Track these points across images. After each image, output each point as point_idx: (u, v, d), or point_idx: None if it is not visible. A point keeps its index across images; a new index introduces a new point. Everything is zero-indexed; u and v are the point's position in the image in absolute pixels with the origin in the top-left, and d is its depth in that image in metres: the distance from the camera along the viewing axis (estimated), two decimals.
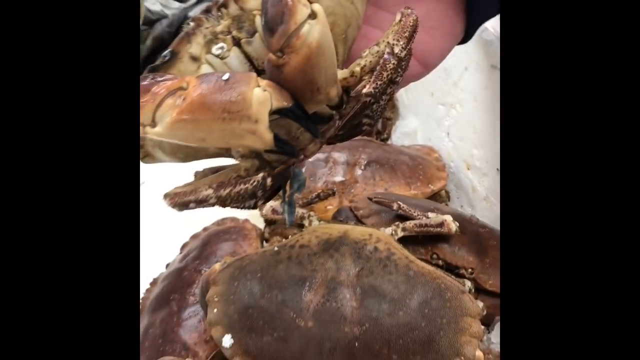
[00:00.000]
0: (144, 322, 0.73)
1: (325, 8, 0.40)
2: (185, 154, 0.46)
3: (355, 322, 0.55)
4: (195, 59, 0.44)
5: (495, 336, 0.66)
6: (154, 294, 0.75)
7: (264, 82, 0.37)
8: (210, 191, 0.41)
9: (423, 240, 0.68)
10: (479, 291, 0.68)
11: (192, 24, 0.45)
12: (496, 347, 0.64)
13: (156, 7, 1.12)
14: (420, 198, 0.81)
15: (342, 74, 0.42)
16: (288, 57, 0.36)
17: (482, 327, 0.63)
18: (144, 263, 0.84)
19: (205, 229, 0.84)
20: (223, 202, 0.42)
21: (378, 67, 0.41)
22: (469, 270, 0.67)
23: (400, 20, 0.42)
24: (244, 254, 0.72)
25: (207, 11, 0.45)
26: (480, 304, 0.64)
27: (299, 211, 0.68)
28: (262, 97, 0.36)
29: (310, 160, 0.86)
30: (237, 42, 0.43)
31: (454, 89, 0.85)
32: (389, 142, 1.04)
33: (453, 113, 0.87)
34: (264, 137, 0.37)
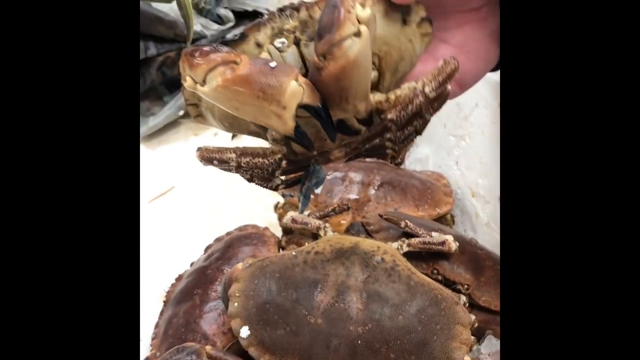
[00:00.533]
0: (168, 313, 0.79)
1: (381, 37, 0.46)
2: (230, 124, 0.51)
3: (359, 322, 0.62)
4: (259, 45, 0.48)
5: (485, 348, 0.72)
6: (179, 288, 0.82)
7: (302, 79, 0.42)
8: (233, 155, 0.48)
9: (425, 257, 0.74)
10: (473, 306, 0.74)
11: (266, 16, 0.49)
12: (485, 358, 0.70)
13: (197, 28, 1.22)
14: (426, 219, 0.88)
15: (379, 97, 0.47)
16: (327, 63, 0.41)
17: (473, 337, 0.70)
18: (172, 260, 0.92)
19: (228, 233, 0.91)
20: (242, 169, 0.48)
21: (407, 100, 0.47)
22: (465, 286, 0.74)
23: (442, 65, 0.46)
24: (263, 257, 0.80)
25: (281, 10, 0.49)
26: (473, 317, 0.71)
27: (316, 222, 0.76)
28: (296, 90, 0.41)
29: (329, 178, 0.94)
30: (297, 42, 0.48)
31: (465, 123, 0.92)
32: (402, 166, 1.11)
33: (462, 144, 0.95)
34: (287, 123, 0.42)
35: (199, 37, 1.20)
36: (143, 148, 1.20)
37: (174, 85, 1.25)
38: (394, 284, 0.64)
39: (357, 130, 0.49)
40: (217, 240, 0.90)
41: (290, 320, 0.63)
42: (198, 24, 1.21)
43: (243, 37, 0.48)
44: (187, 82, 0.43)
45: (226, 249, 0.84)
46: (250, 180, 0.50)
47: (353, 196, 0.91)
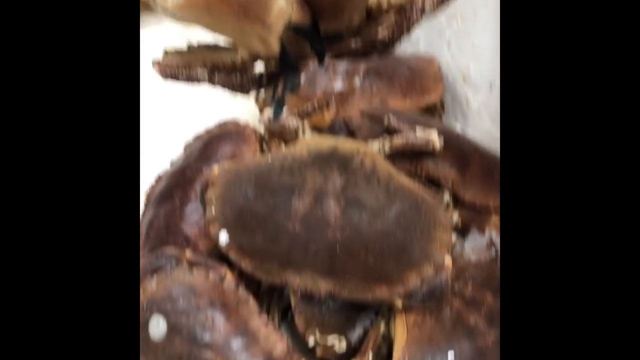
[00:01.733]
0: (149, 214, 0.78)
1: None
2: (183, 18, 0.44)
3: (338, 228, 0.61)
4: None
5: (469, 244, 0.72)
6: (159, 189, 0.80)
7: None
8: (204, 72, 0.42)
9: (409, 154, 0.72)
10: (458, 202, 0.73)
11: None
12: (469, 254, 0.70)
13: None
14: (413, 110, 0.84)
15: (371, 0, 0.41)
16: None
17: (455, 236, 0.69)
18: (150, 160, 0.89)
19: (207, 131, 0.87)
20: (213, 84, 0.42)
21: (402, 17, 0.40)
22: (450, 182, 0.72)
23: None
24: (243, 156, 0.77)
25: None
26: (456, 216, 0.69)
27: (294, 122, 0.72)
28: (284, 8, 0.36)
29: (310, 67, 0.88)
30: None
31: (456, 1, 0.85)
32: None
33: (454, 26, 0.88)
34: (271, 46, 0.37)
35: None
36: None
37: None
38: (373, 188, 0.62)
39: (340, 37, 0.43)
40: (196, 138, 0.87)
41: (268, 226, 0.62)
42: None
43: None
44: None
45: (205, 148, 0.81)
46: (213, 86, 0.44)
47: (337, 86, 0.86)
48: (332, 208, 0.61)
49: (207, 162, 0.79)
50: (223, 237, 0.64)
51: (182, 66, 0.41)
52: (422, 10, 0.40)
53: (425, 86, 0.88)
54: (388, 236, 0.60)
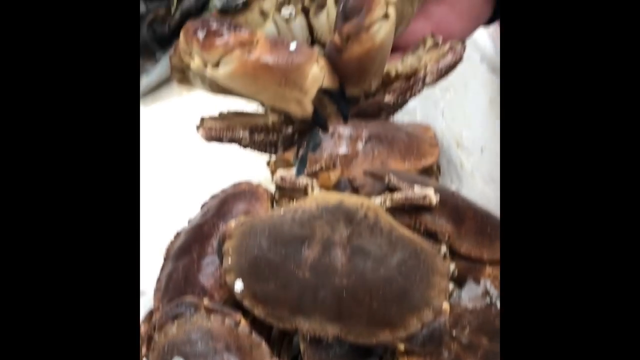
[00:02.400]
0: (168, 268, 0.84)
1: None
2: (220, 89, 0.48)
3: (344, 274, 0.66)
4: (264, 14, 0.46)
5: (465, 293, 0.77)
6: (177, 244, 0.86)
7: (322, 62, 0.41)
8: (245, 133, 0.47)
9: (408, 210, 0.78)
10: (454, 255, 0.79)
11: None
12: (465, 302, 0.75)
13: None
14: (412, 172, 0.91)
15: None
16: (351, 45, 0.40)
17: (454, 285, 0.75)
18: (170, 218, 0.96)
19: (223, 191, 0.94)
20: (252, 145, 0.47)
21: (407, 86, 0.45)
22: (446, 236, 0.78)
23: (447, 52, 0.44)
24: (256, 213, 0.84)
25: None
26: (453, 266, 0.75)
27: (303, 180, 0.79)
28: (317, 74, 0.40)
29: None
30: (305, 11, 0.46)
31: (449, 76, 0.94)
32: (390, 118, 1.13)
33: (447, 97, 0.97)
34: (306, 108, 0.42)
35: None
36: None
37: (166, 41, 1.26)
38: (376, 238, 0.68)
39: (357, 99, 0.48)
40: (213, 197, 0.94)
41: (280, 274, 0.68)
42: None
43: (246, 4, 0.46)
44: (196, 63, 0.41)
45: (221, 206, 0.88)
46: (249, 148, 0.48)
47: (342, 151, 0.94)
48: (339, 256, 0.67)
49: (223, 218, 0.85)
50: (238, 286, 0.69)
51: (225, 129, 0.47)
52: (424, 82, 0.46)
53: (422, 151, 0.95)
54: (390, 282, 0.65)
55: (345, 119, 0.45)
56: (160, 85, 1.25)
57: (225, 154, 1.08)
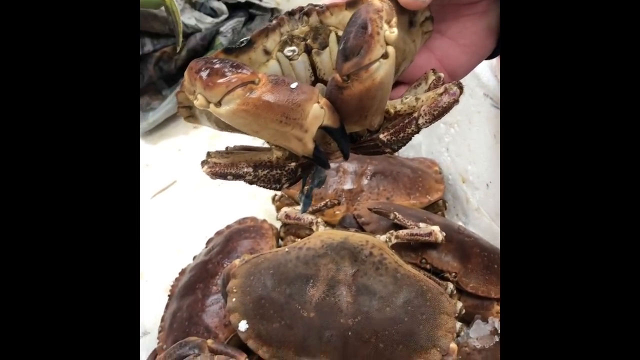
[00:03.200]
0: (173, 307, 0.84)
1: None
2: (226, 126, 0.48)
3: (349, 314, 0.65)
4: (267, 52, 0.46)
5: (473, 332, 0.76)
6: (182, 282, 0.86)
7: (322, 100, 0.41)
8: (250, 169, 0.47)
9: (414, 247, 0.78)
10: (461, 292, 0.78)
11: (274, 21, 0.47)
12: (473, 341, 0.74)
13: (191, 22, 1.24)
14: (418, 207, 0.91)
15: None
16: (352, 84, 0.40)
17: (460, 324, 0.74)
18: (175, 254, 0.96)
19: (228, 227, 0.94)
20: (256, 181, 0.48)
21: (401, 126, 0.44)
22: (453, 274, 0.77)
23: (442, 93, 0.44)
24: (261, 251, 0.83)
25: (291, 14, 0.46)
26: (460, 304, 0.74)
27: (309, 217, 0.79)
28: (318, 112, 0.40)
29: None
30: (308, 50, 0.46)
31: (453, 111, 0.93)
32: (395, 153, 1.13)
33: (452, 131, 0.97)
34: (307, 145, 0.42)
35: (194, 30, 1.22)
36: (144, 143, 1.23)
37: (172, 79, 1.27)
38: (382, 277, 0.67)
39: (360, 137, 0.47)
40: (218, 233, 0.94)
41: (284, 314, 0.67)
42: (192, 18, 1.23)
43: (250, 43, 0.46)
44: (199, 101, 0.41)
45: (226, 243, 0.88)
46: (254, 184, 0.49)
47: (347, 186, 0.94)
48: (344, 295, 0.66)
49: (228, 256, 0.85)
50: (242, 326, 0.68)
51: (229, 165, 0.47)
52: (417, 124, 0.46)
53: (427, 187, 0.95)
54: (396, 322, 0.64)
55: (345, 157, 0.46)
56: (167, 122, 1.26)
57: (232, 189, 1.09)
